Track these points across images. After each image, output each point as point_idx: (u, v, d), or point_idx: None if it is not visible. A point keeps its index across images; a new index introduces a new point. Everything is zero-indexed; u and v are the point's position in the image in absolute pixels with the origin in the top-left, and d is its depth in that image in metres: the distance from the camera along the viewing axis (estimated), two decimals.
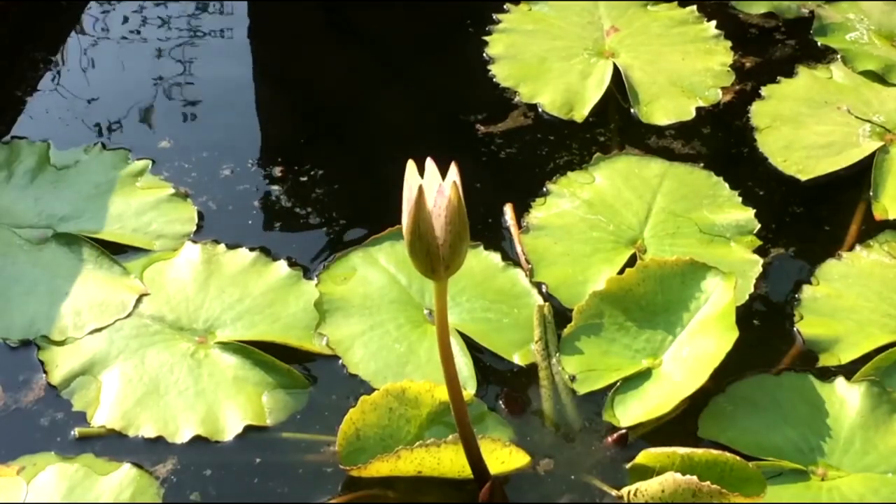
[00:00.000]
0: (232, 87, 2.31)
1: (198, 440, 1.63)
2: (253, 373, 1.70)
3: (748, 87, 2.28)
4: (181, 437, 1.63)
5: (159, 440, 1.63)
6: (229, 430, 1.64)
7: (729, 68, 2.30)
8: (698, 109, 2.21)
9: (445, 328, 1.43)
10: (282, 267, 1.85)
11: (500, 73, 2.27)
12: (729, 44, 2.35)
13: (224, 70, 2.36)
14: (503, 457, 1.56)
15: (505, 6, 2.42)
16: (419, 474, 1.54)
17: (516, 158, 2.11)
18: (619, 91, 2.23)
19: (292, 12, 2.49)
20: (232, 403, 1.66)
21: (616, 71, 2.25)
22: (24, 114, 2.20)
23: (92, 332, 1.74)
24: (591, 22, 2.39)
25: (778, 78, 2.26)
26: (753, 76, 2.30)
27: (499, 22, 2.38)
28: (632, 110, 2.20)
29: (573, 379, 1.70)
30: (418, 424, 1.60)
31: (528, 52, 2.32)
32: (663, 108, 2.21)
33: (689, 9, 2.42)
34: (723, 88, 2.25)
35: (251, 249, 1.87)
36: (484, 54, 2.31)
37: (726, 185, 2.01)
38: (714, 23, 2.38)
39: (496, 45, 2.33)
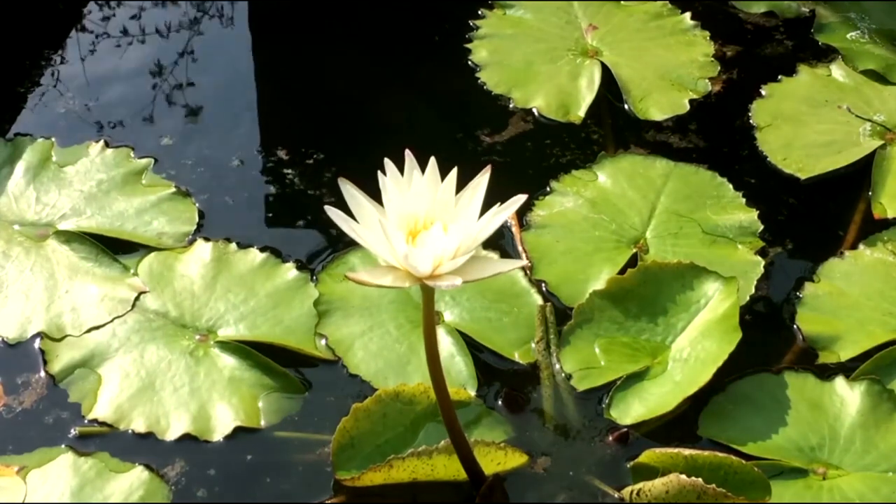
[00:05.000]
0: (233, 84, 2.31)
1: (191, 439, 1.62)
2: (250, 374, 1.70)
3: (734, 75, 2.28)
4: (171, 433, 1.63)
5: (151, 437, 1.62)
6: (219, 431, 1.63)
7: (713, 58, 2.30)
8: (691, 102, 2.20)
9: (432, 329, 1.41)
10: (290, 270, 1.84)
11: (490, 80, 2.25)
12: (707, 34, 2.35)
13: (225, 68, 2.37)
14: (499, 458, 1.55)
15: (479, 11, 2.40)
16: (414, 481, 1.54)
17: (517, 162, 2.10)
18: (609, 89, 2.23)
19: (292, 10, 2.48)
20: (225, 404, 1.66)
21: (604, 69, 2.24)
22: (26, 111, 2.20)
23: (89, 331, 1.74)
24: (569, 21, 2.37)
25: (778, 76, 2.25)
26: (737, 65, 2.31)
27: (477, 28, 2.36)
28: (626, 107, 2.20)
29: (569, 377, 1.70)
30: (415, 428, 1.60)
31: (513, 56, 2.29)
32: (657, 102, 2.20)
33: (661, 2, 2.41)
34: (710, 79, 2.25)
35: (262, 250, 1.86)
36: (468, 61, 2.29)
37: (730, 186, 2.01)
38: (689, 14, 2.38)
39: (479, 52, 2.31)
